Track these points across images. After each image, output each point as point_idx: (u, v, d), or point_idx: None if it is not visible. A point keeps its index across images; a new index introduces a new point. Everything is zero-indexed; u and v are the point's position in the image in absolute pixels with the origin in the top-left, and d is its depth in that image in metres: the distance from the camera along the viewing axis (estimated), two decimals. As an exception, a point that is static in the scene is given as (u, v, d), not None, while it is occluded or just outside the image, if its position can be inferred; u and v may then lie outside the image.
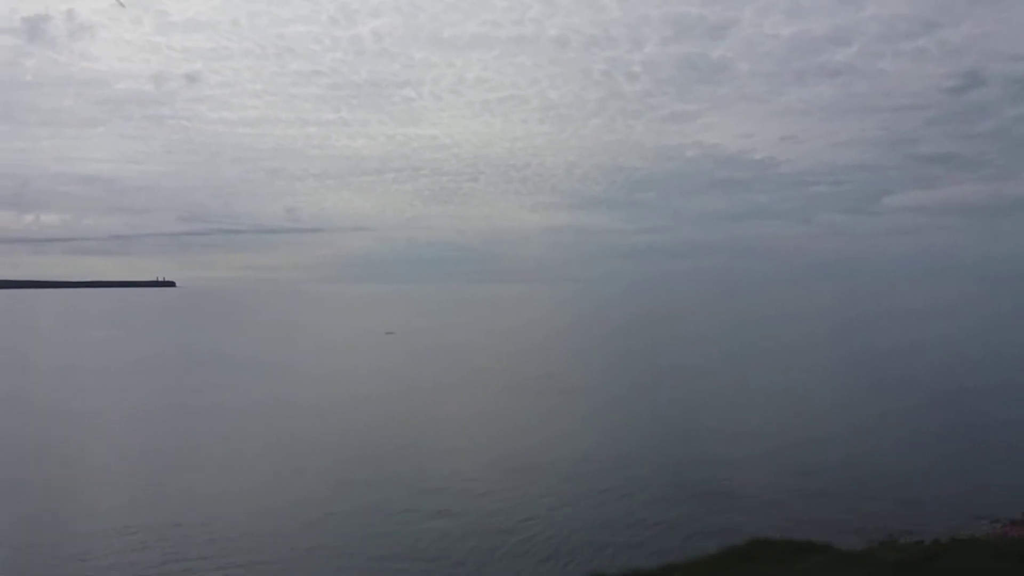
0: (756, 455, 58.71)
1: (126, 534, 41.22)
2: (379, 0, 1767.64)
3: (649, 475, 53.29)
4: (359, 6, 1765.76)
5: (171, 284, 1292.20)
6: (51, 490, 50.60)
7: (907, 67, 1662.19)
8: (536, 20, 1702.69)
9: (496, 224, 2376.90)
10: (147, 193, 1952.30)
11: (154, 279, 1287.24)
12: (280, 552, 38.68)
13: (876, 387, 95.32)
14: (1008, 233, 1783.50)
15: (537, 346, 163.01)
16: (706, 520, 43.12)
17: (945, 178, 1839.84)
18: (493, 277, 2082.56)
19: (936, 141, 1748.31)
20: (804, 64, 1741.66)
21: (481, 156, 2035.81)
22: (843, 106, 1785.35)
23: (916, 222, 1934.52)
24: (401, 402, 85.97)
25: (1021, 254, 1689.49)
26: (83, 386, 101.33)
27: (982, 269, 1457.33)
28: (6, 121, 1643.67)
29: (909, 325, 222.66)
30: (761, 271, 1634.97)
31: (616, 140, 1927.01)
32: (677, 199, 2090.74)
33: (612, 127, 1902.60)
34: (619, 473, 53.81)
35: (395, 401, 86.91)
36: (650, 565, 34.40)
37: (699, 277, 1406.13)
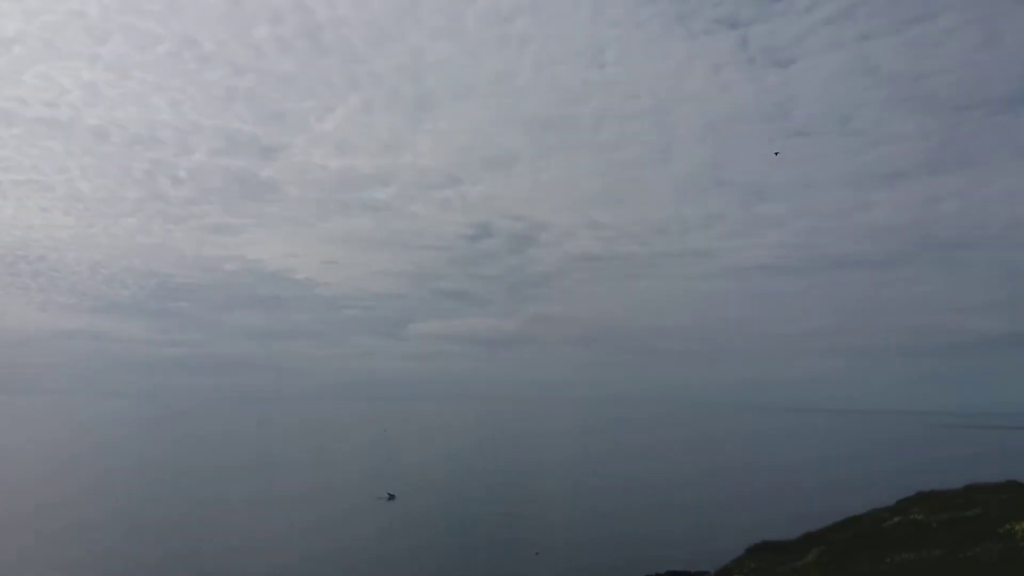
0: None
1: None
2: None
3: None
4: None
5: None
6: None
7: (435, 212, 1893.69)
8: (74, 105, 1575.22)
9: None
10: None
11: None
12: None
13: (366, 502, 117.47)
14: (506, 361, 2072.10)
15: (37, 471, 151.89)
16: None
17: (461, 311, 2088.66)
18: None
19: (455, 279, 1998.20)
20: (348, 197, 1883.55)
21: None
22: (380, 239, 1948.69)
23: (437, 348, 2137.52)
24: None
25: (515, 380, 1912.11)
26: None
27: (487, 391, 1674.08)
28: None
29: (416, 441, 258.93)
30: (296, 389, 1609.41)
31: (153, 244, 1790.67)
32: (215, 312, 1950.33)
33: (149, 229, 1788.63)
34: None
35: None
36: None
37: (231, 394, 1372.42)
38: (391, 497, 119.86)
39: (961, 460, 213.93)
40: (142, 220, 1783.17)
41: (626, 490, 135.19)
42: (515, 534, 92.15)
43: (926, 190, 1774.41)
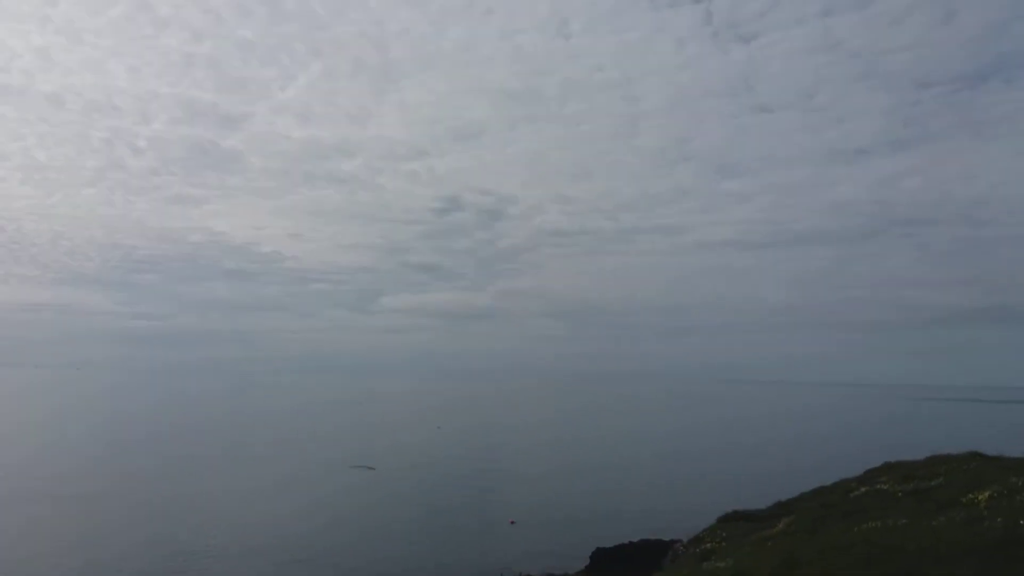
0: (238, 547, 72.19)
1: None
2: None
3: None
4: None
5: None
6: None
7: (403, 185, 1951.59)
8: (26, 71, 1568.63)
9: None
10: None
11: None
12: None
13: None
14: (477, 336, 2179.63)
15: (16, 443, 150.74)
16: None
17: (430, 285, 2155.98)
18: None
19: (424, 252, 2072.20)
20: (313, 168, 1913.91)
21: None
22: (347, 212, 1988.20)
23: (406, 322, 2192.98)
24: None
25: (486, 354, 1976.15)
26: None
27: (458, 365, 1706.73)
28: None
29: (389, 415, 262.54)
30: (266, 362, 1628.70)
31: (115, 215, 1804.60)
32: (180, 284, 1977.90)
33: (111, 200, 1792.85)
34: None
35: None
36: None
37: (199, 367, 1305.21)
38: (368, 468, 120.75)
39: (925, 432, 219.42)
40: (103, 190, 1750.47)
41: (599, 462, 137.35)
42: (490, 504, 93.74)
43: (888, 167, 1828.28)
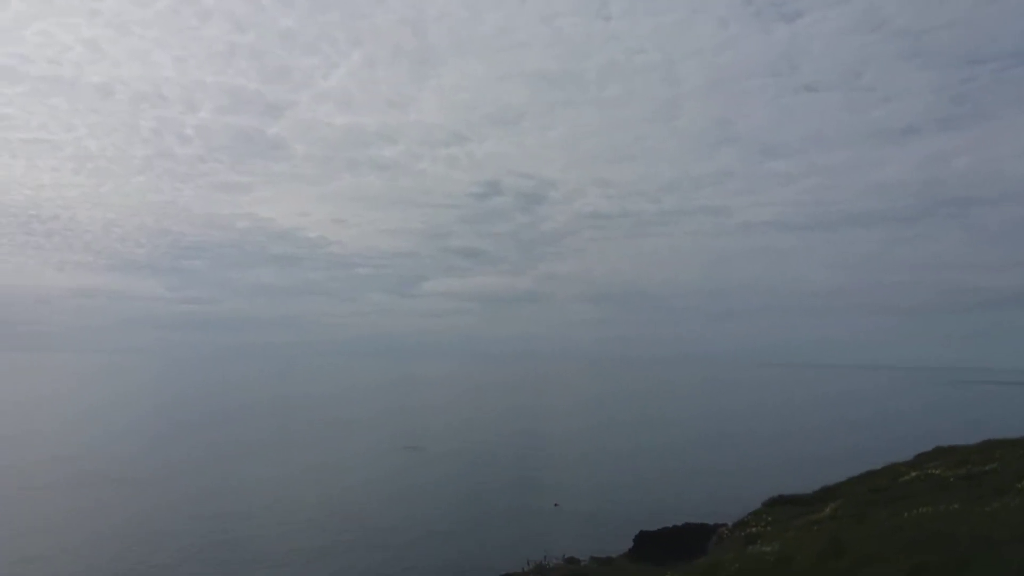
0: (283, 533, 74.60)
1: None
2: None
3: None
4: None
5: None
6: None
7: (442, 170, 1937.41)
8: (76, 63, 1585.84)
9: (10, 282, 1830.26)
10: None
11: None
12: None
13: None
14: (519, 320, 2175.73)
15: (72, 427, 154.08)
16: None
17: (472, 270, 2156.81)
18: (5, 344, 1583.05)
19: (465, 237, 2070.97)
20: (355, 154, 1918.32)
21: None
22: (389, 197, 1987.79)
23: (448, 306, 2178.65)
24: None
25: (520, 336, 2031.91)
26: None
27: (500, 349, 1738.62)
28: None
29: (433, 398, 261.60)
30: (311, 346, 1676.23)
31: (163, 202, 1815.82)
32: (227, 270, 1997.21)
33: (159, 188, 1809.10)
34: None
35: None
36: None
37: (247, 351, 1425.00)
38: (415, 449, 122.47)
39: (977, 416, 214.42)
40: (151, 178, 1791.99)
41: (642, 445, 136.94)
42: (534, 486, 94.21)
43: (937, 146, 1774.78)
